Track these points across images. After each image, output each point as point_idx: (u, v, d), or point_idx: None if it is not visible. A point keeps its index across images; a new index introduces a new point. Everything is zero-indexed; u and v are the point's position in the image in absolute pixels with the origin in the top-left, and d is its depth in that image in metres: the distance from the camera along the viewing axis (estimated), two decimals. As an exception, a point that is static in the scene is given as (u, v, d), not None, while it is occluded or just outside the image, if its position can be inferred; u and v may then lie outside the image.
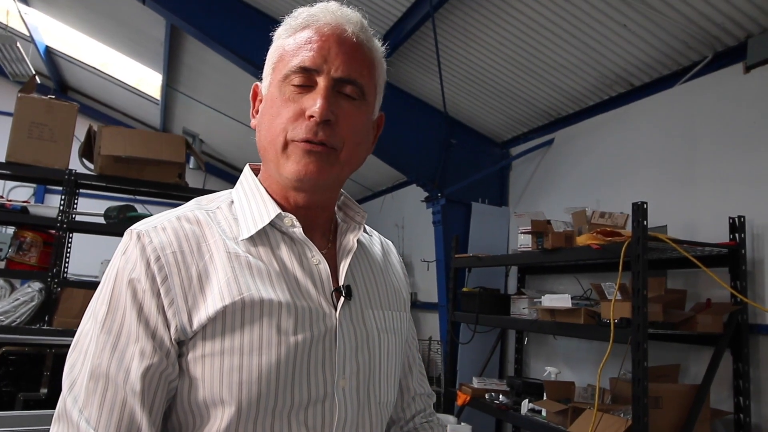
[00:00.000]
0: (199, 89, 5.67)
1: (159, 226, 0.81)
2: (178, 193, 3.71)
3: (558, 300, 2.64)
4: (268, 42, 0.90)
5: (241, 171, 0.92)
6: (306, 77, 0.82)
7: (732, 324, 2.35)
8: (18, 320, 3.07)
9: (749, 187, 2.46)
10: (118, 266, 0.78)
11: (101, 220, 3.40)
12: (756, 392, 2.36)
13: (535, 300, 2.92)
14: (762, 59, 2.44)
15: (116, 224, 3.40)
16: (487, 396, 3.11)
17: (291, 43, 0.85)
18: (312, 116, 0.80)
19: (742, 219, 2.41)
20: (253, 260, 0.81)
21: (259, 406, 0.76)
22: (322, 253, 0.87)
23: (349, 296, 0.86)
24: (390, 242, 1.08)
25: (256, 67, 3.68)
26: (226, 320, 0.76)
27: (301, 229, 0.85)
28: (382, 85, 0.92)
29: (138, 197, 4.04)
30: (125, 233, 0.81)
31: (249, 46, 3.77)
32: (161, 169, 3.42)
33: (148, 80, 6.25)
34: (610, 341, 2.25)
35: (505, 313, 3.32)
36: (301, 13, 0.87)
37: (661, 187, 2.88)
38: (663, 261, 2.63)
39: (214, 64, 4.90)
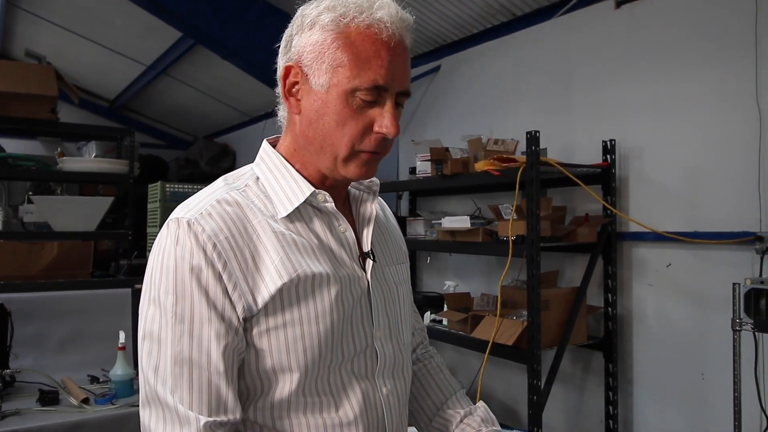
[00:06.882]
0: (47, 6, 5.05)
1: (204, 212, 0.85)
2: (50, 129, 3.41)
3: (458, 221, 2.88)
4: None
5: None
6: (377, 94, 0.87)
7: (604, 234, 2.73)
8: None
9: (618, 114, 2.79)
10: (176, 256, 0.82)
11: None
12: (620, 289, 2.80)
13: (434, 222, 3.13)
14: (631, -4, 2.71)
15: (-18, 167, 3.07)
16: (390, 312, 3.35)
17: (354, 46, 0.84)
18: (382, 132, 0.87)
19: (613, 142, 2.75)
20: (296, 237, 0.89)
21: (320, 365, 0.86)
22: None
23: (374, 260, 0.97)
24: (381, 198, 1.16)
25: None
26: (284, 296, 0.84)
27: (333, 203, 0.93)
28: None
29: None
30: (170, 222, 0.85)
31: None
32: (29, 104, 3.10)
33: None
34: (509, 256, 2.53)
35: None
36: (361, 5, 0.85)
37: (542, 112, 3.16)
38: (545, 181, 2.94)
39: (66, -21, 4.37)
